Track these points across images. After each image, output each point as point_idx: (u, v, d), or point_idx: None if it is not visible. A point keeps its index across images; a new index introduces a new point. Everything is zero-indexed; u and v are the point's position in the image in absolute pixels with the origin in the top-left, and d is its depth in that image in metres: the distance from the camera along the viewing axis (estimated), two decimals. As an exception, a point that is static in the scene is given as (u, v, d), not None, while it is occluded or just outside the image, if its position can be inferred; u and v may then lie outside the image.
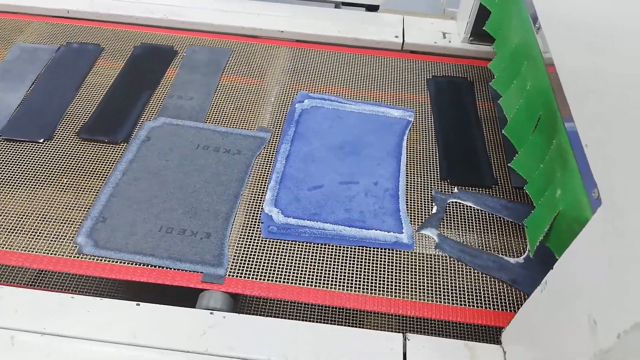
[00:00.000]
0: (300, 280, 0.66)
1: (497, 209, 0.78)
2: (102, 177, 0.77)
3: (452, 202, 0.78)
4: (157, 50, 0.99)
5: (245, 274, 0.66)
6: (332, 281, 0.67)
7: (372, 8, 1.17)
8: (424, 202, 0.78)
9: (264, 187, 0.78)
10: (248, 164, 0.81)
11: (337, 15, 1.11)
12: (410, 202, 0.77)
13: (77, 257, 0.67)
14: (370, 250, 0.71)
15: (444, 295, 0.66)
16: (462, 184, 0.81)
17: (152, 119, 0.87)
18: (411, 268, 0.69)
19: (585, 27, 0.53)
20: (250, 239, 0.71)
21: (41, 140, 0.82)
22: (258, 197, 0.76)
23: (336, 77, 0.98)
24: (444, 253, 0.71)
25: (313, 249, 0.70)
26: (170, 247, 0.68)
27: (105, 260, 0.67)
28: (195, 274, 0.66)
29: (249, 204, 0.75)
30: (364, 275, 0.68)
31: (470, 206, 0.78)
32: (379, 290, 0.66)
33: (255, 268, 0.67)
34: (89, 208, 0.73)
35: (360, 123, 0.90)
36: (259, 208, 0.75)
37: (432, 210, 0.77)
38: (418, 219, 0.75)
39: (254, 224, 0.73)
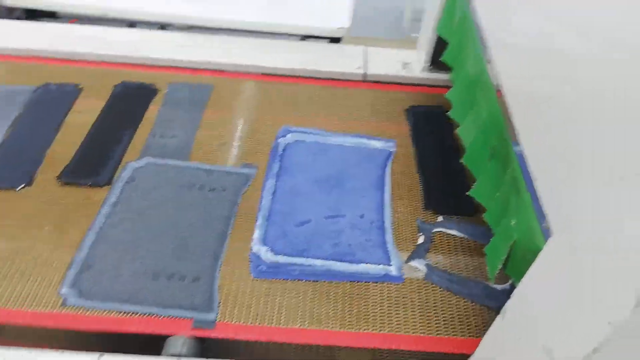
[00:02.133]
0: (292, 321, 0.66)
1: (480, 236, 0.79)
2: (85, 222, 0.76)
3: (438, 231, 0.79)
4: (138, 89, 0.99)
5: (237, 317, 0.66)
6: (326, 319, 0.66)
7: (335, 40, 1.19)
8: (410, 232, 0.79)
9: (251, 225, 0.77)
10: (234, 201, 0.80)
11: (300, 47, 1.12)
12: (397, 233, 0.78)
13: (62, 310, 0.65)
14: (358, 284, 0.71)
15: (428, 325, 0.67)
16: (446, 212, 0.82)
17: (135, 159, 0.86)
18: (396, 300, 0.69)
19: (532, 62, 0.54)
20: (240, 279, 0.70)
21: (19, 188, 0.80)
22: (246, 235, 0.76)
23: (314, 109, 0.99)
24: (432, 283, 0.72)
25: (303, 287, 0.70)
26: (159, 292, 0.67)
27: (91, 311, 0.65)
28: (186, 320, 0.65)
29: (237, 243, 0.75)
30: (356, 310, 0.68)
31: (455, 234, 0.79)
32: (369, 325, 0.66)
33: (246, 310, 0.67)
34: (72, 256, 0.71)
35: (344, 155, 0.91)
36: (247, 247, 0.74)
37: (418, 240, 0.78)
38: (406, 250, 0.76)
39: (244, 264, 0.72)
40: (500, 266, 0.61)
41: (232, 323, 0.65)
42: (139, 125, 0.92)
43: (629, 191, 0.34)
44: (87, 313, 0.65)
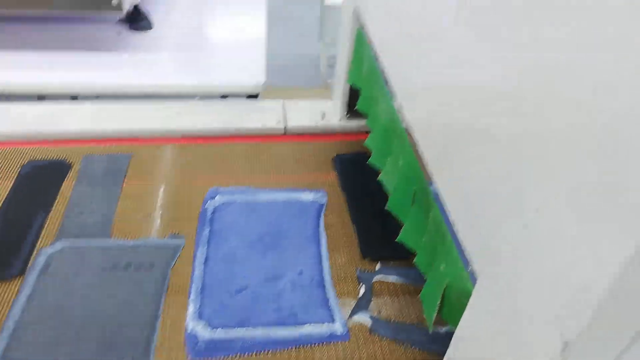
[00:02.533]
0: (238, 401, 0.62)
1: (420, 279, 0.79)
2: (-6, 324, 0.68)
3: (377, 279, 0.79)
4: (49, 166, 0.93)
5: (177, 407, 0.61)
6: (272, 394, 0.63)
7: (253, 96, 1.19)
8: (352, 284, 0.78)
9: (185, 300, 0.73)
10: (164, 277, 0.76)
11: (218, 107, 1.11)
12: (338, 287, 0.77)
13: None
14: (304, 349, 0.68)
15: (387, 383, 0.65)
16: (384, 258, 0.82)
17: (49, 243, 0.79)
18: (350, 360, 0.68)
19: (435, 108, 0.56)
20: (177, 364, 0.65)
21: None
22: (180, 312, 0.71)
23: (240, 168, 0.97)
24: (379, 335, 0.71)
25: (247, 361, 0.66)
26: (86, 394, 0.61)
27: None
28: (119, 421, 0.59)
29: (171, 322, 0.70)
30: (304, 378, 0.65)
31: (395, 281, 0.79)
32: (322, 393, 0.64)
33: (186, 398, 0.62)
34: (-19, 366, 0.63)
35: (276, 212, 0.89)
36: (182, 325, 0.70)
37: (360, 291, 0.77)
38: (349, 303, 0.75)
39: (180, 345, 0.67)
40: (436, 311, 0.61)
41: (171, 416, 0.60)
42: (53, 206, 0.86)
43: (546, 229, 0.35)
44: None
